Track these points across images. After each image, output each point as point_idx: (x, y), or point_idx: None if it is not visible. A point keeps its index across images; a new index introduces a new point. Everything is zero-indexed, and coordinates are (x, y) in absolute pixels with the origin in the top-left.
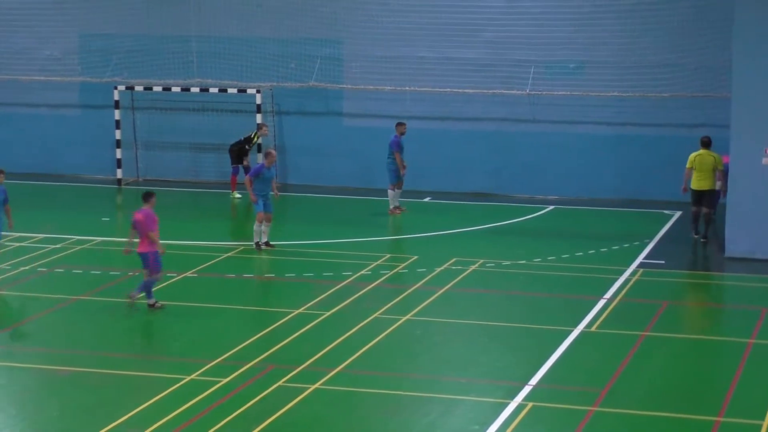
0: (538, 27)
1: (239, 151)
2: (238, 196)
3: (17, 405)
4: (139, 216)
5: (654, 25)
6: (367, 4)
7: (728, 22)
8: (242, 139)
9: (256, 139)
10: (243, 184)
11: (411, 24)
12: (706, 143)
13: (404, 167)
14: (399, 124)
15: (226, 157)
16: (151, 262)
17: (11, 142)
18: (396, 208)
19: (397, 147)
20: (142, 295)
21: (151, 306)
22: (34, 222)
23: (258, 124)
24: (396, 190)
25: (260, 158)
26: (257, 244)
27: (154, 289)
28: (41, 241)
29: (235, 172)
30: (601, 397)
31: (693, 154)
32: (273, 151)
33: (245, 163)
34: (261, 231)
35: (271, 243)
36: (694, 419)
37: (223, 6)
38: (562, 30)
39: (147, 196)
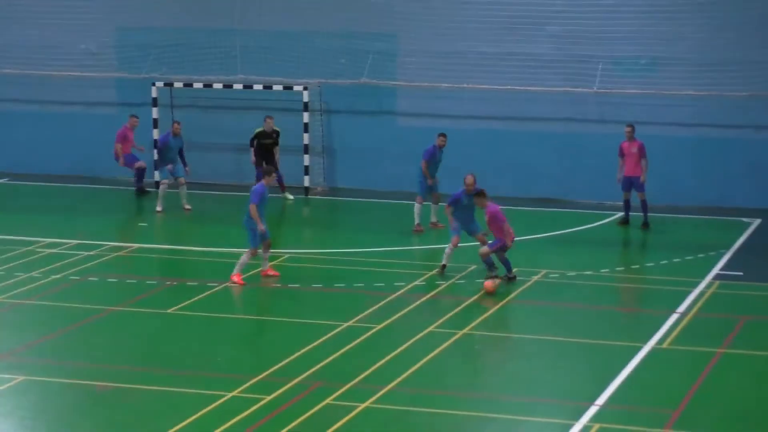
0: (606, 20)
1: (265, 152)
2: (291, 197)
3: (49, 423)
4: None
5: (735, 20)
6: None
7: None
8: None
9: (264, 130)
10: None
11: (471, 17)
12: None
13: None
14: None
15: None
16: None
17: (44, 142)
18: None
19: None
20: None
21: None
22: (65, 226)
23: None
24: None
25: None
26: (443, 266)
27: None
28: (74, 247)
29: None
30: (673, 419)
31: None
32: (468, 177)
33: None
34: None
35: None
36: None
37: None
38: (633, 23)
39: None
